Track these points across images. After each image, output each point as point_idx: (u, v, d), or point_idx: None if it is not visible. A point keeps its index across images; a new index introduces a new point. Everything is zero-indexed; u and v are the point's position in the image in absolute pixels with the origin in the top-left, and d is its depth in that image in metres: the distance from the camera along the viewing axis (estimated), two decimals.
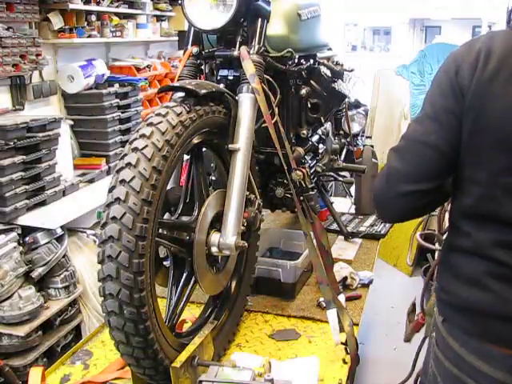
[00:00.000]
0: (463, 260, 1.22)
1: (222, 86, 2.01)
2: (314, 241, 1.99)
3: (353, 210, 3.30)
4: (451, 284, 1.26)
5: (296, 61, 2.30)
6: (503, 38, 1.15)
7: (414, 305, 2.02)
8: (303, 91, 2.38)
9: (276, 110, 1.90)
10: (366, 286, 2.44)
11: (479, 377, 1.20)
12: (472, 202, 1.18)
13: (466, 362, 1.22)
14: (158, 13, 4.89)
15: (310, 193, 2.12)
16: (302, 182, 2.09)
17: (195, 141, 1.64)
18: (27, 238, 2.98)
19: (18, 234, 2.93)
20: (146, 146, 1.42)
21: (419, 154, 1.20)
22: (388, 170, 1.26)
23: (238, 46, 1.90)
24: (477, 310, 1.20)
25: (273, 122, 1.83)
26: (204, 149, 1.80)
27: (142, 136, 1.45)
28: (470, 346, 1.22)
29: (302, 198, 2.08)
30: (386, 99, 4.96)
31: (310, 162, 2.49)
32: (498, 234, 1.15)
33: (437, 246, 2.09)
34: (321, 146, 2.64)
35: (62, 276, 3.06)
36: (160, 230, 1.58)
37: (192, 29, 1.99)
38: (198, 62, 2.01)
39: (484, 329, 1.20)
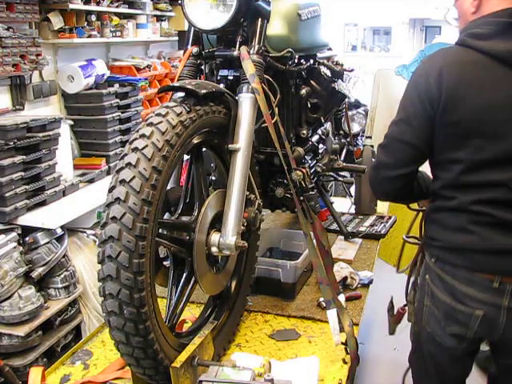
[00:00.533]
0: (449, 215, 1.59)
1: (222, 85, 2.01)
2: (314, 241, 1.99)
3: (353, 210, 3.30)
4: (440, 233, 1.62)
5: (296, 61, 2.29)
6: (457, 54, 1.56)
7: (392, 302, 2.25)
8: (303, 91, 2.38)
9: (276, 110, 1.90)
10: (365, 286, 2.44)
11: (467, 300, 1.56)
12: (454, 175, 1.55)
13: (457, 290, 1.58)
14: (158, 13, 4.89)
15: (310, 193, 2.12)
16: (302, 182, 2.09)
17: (195, 141, 1.64)
18: (27, 238, 2.98)
19: (18, 234, 2.93)
20: (146, 145, 1.42)
21: (398, 148, 1.60)
22: (377, 162, 1.68)
23: (238, 45, 1.90)
24: (464, 248, 1.56)
25: (273, 122, 1.83)
26: (204, 149, 1.80)
27: (142, 136, 1.45)
28: (460, 276, 1.57)
29: (301, 197, 2.08)
30: (386, 99, 4.95)
31: (310, 161, 2.49)
32: (477, 194, 1.53)
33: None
34: (321, 146, 2.64)
35: (62, 276, 3.06)
36: (160, 230, 1.58)
37: (192, 29, 1.99)
38: (198, 62, 2.01)
39: (470, 261, 1.55)
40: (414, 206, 2.07)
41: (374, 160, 1.73)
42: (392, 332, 2.23)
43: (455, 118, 1.50)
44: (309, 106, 2.44)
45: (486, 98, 1.49)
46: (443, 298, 1.61)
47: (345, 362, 1.84)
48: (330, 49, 2.88)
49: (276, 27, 2.07)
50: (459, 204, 1.55)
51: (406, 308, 2.11)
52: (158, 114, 1.51)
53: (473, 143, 1.50)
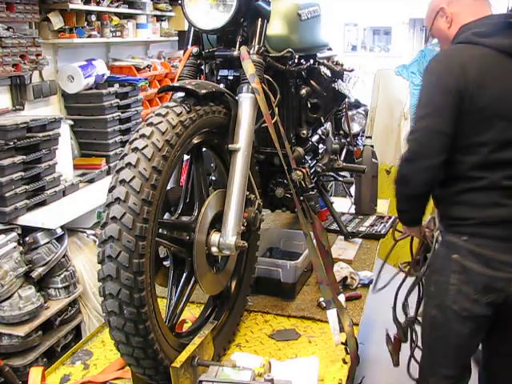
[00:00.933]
0: (479, 194, 1.74)
1: (222, 85, 2.01)
2: (314, 241, 1.99)
3: (353, 210, 3.30)
4: (470, 212, 1.76)
5: (296, 61, 2.30)
6: (469, 50, 1.74)
7: (388, 334, 2.28)
8: (303, 91, 2.38)
9: (276, 110, 1.90)
10: (366, 286, 2.44)
11: (506, 267, 1.72)
12: (482, 157, 1.71)
13: (495, 260, 1.72)
14: (158, 13, 4.89)
15: (310, 193, 2.12)
16: (302, 182, 2.09)
17: (195, 141, 1.64)
18: (27, 238, 2.98)
19: (18, 234, 2.93)
20: (146, 145, 1.42)
21: (433, 138, 1.72)
22: (411, 154, 1.76)
23: (238, 45, 1.90)
24: (499, 221, 1.72)
25: (273, 122, 1.83)
26: (204, 149, 1.80)
27: (142, 136, 1.45)
28: (498, 247, 1.73)
29: (301, 197, 2.08)
30: (386, 99, 4.95)
31: (310, 162, 2.49)
32: (505, 171, 1.70)
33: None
34: (321, 146, 2.64)
35: (62, 276, 3.06)
36: (160, 230, 1.58)
37: (192, 29, 1.99)
38: (198, 62, 2.01)
39: (507, 232, 1.72)
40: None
41: (405, 154, 1.80)
42: (397, 363, 2.27)
43: (479, 106, 1.69)
44: (309, 106, 2.44)
45: (501, 87, 1.70)
46: (481, 270, 1.74)
47: (345, 362, 1.84)
48: (330, 49, 2.88)
49: (276, 27, 2.07)
50: (490, 182, 1.71)
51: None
52: (158, 114, 1.51)
53: (495, 127, 1.69)
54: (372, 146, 3.29)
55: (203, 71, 2.08)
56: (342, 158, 2.99)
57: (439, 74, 1.74)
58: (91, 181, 3.68)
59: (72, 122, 3.78)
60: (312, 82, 2.45)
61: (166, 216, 1.76)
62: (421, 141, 1.75)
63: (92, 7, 3.83)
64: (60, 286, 3.05)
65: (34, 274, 2.91)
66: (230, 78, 2.06)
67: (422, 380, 2.01)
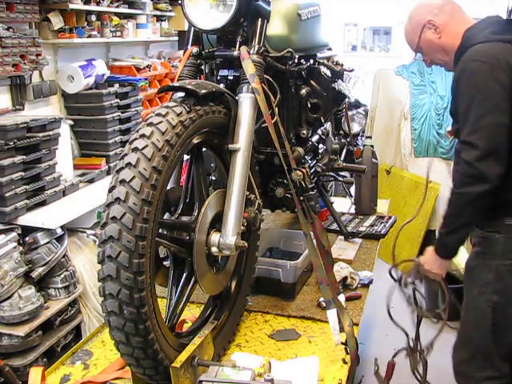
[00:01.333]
0: None
1: (222, 85, 2.01)
2: (314, 241, 1.99)
3: (353, 210, 3.30)
4: None
5: (296, 61, 2.30)
6: (498, 46, 1.80)
7: (376, 363, 2.21)
8: (303, 91, 2.38)
9: (276, 110, 1.90)
10: (365, 286, 2.44)
11: None
12: None
13: None
14: (158, 13, 4.89)
15: (310, 193, 2.12)
16: (302, 182, 2.09)
17: (195, 141, 1.64)
18: (27, 238, 2.98)
19: (18, 234, 2.92)
20: (146, 145, 1.42)
21: (500, 133, 1.77)
22: (482, 151, 1.76)
23: (238, 45, 1.90)
24: None
25: (273, 122, 1.83)
26: (204, 149, 1.80)
27: (142, 136, 1.45)
28: None
29: (302, 197, 2.08)
30: (386, 99, 4.95)
31: (310, 162, 2.49)
32: None
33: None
34: (321, 146, 2.64)
35: (62, 276, 3.06)
36: (160, 230, 1.58)
37: (192, 29, 1.99)
38: (198, 62, 2.01)
39: None
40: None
41: (473, 153, 1.79)
42: None
43: None
44: (309, 106, 2.43)
45: None
46: None
47: (345, 362, 1.84)
48: (329, 49, 2.88)
49: (276, 27, 2.07)
50: None
51: (395, 359, 2.16)
52: (158, 114, 1.51)
53: None
54: (372, 146, 3.29)
55: (203, 71, 2.08)
56: (342, 157, 2.99)
57: (489, 71, 1.78)
58: (91, 181, 3.67)
59: (72, 122, 3.78)
60: (312, 82, 2.45)
61: (166, 216, 1.76)
62: (489, 137, 1.77)
63: (92, 7, 3.83)
64: (60, 286, 3.05)
65: (34, 274, 2.90)
66: (230, 78, 2.06)
67: (482, 369, 1.95)
